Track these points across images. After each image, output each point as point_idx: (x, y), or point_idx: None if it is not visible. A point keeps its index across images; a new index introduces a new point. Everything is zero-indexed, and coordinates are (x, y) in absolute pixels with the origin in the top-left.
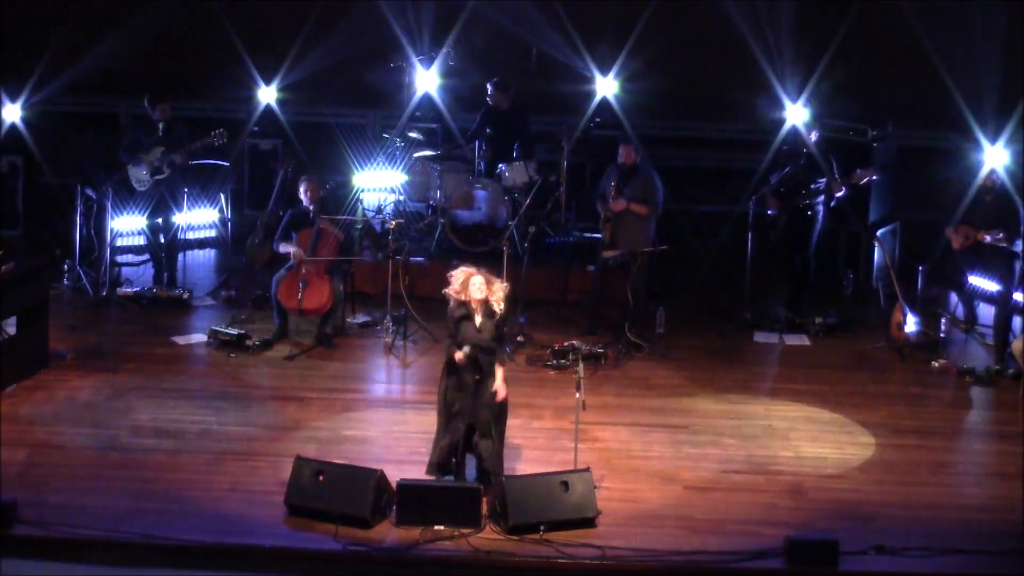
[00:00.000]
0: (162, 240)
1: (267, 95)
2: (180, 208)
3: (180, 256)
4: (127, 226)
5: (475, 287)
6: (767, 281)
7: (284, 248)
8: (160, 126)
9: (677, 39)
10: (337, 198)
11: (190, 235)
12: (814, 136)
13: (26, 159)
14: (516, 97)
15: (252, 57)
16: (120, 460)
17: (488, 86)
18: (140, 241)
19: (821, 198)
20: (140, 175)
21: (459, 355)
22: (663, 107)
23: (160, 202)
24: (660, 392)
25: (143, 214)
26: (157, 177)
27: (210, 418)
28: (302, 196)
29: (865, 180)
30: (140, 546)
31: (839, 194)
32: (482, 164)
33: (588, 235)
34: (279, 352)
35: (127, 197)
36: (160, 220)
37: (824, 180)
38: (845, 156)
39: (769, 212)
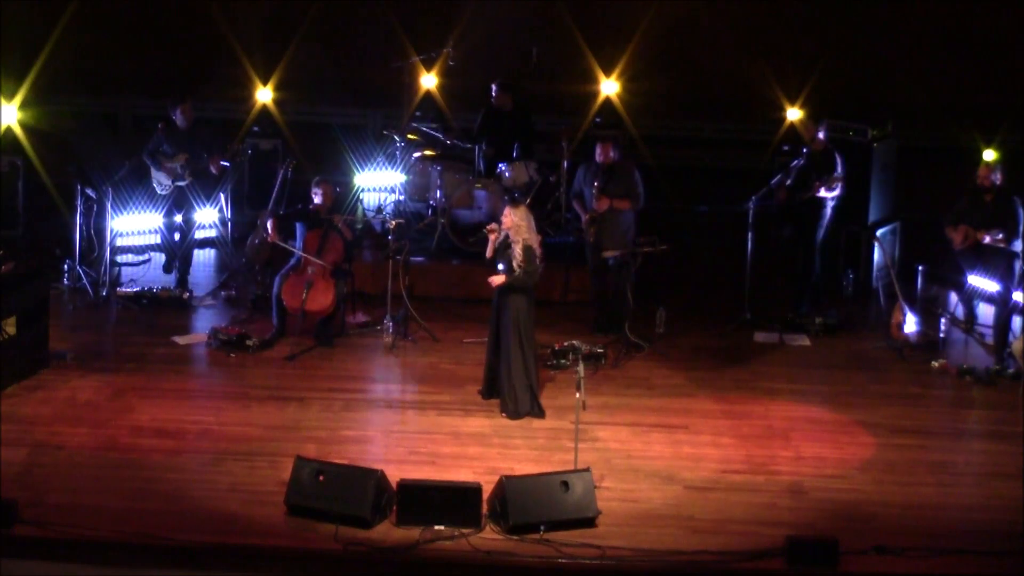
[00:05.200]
0: (176, 238)
1: (265, 95)
2: (196, 208)
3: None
4: (128, 226)
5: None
6: (767, 281)
7: (269, 228)
8: (184, 130)
9: (678, 39)
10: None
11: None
12: (821, 134)
13: (26, 159)
14: (519, 98)
15: (250, 57)
16: (120, 460)
17: (492, 87)
18: (143, 241)
19: (829, 200)
20: (162, 179)
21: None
22: (663, 107)
23: (178, 201)
24: (660, 392)
25: (160, 211)
26: (178, 183)
27: (210, 418)
28: (315, 197)
29: (823, 192)
30: (140, 546)
31: (830, 193)
32: (482, 164)
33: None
34: (279, 352)
35: (140, 195)
36: (178, 219)
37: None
38: (847, 156)
39: (780, 215)
